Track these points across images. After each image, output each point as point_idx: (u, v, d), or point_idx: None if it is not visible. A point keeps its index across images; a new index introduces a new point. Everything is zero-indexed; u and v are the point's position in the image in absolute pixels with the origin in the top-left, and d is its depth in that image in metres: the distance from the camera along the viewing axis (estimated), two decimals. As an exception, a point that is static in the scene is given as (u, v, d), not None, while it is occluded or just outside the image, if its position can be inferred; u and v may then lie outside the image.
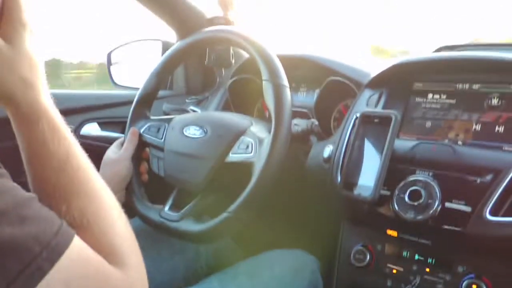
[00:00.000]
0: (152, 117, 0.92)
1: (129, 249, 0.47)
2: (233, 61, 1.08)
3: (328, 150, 0.86)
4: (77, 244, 0.40)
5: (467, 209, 0.68)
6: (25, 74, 0.44)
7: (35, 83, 0.45)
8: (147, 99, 0.93)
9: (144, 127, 0.89)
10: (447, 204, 0.69)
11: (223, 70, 1.19)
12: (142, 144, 0.89)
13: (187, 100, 1.26)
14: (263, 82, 0.78)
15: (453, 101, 0.80)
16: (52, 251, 0.37)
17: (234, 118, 0.85)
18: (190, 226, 0.77)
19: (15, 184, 0.39)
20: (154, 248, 0.90)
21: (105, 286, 0.42)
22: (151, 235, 0.89)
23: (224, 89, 1.19)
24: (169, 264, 0.91)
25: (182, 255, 0.93)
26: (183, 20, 1.23)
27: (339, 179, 0.80)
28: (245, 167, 0.75)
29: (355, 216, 0.87)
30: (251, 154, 0.75)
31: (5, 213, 0.36)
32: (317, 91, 1.05)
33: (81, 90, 1.21)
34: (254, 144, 0.76)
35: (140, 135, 0.88)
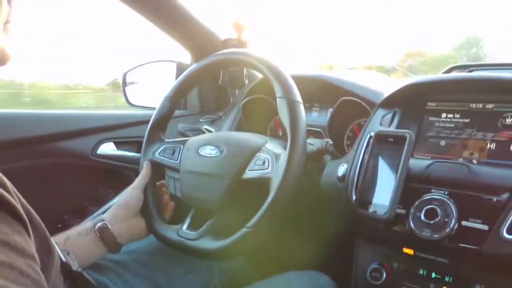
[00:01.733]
0: (166, 140, 0.94)
1: None
2: (246, 81, 1.10)
3: (342, 169, 0.87)
4: None
5: (484, 227, 0.67)
6: None
7: None
8: (161, 123, 0.95)
9: (159, 150, 0.91)
10: (464, 223, 0.69)
11: (236, 91, 1.21)
12: (157, 167, 0.90)
13: (201, 120, 1.28)
14: (277, 99, 0.79)
15: (467, 120, 0.80)
16: None
17: (249, 137, 0.86)
18: (209, 243, 0.77)
19: None
20: (168, 266, 0.90)
21: None
22: (165, 253, 0.89)
23: (238, 108, 1.21)
24: (182, 282, 0.90)
25: (195, 273, 0.93)
26: (198, 42, 1.26)
27: (354, 197, 0.80)
28: (262, 183, 0.75)
29: (370, 234, 0.86)
30: (268, 169, 0.76)
31: None
32: (330, 110, 1.06)
33: (97, 111, 1.23)
34: (271, 159, 0.77)
35: (155, 164, 0.90)
